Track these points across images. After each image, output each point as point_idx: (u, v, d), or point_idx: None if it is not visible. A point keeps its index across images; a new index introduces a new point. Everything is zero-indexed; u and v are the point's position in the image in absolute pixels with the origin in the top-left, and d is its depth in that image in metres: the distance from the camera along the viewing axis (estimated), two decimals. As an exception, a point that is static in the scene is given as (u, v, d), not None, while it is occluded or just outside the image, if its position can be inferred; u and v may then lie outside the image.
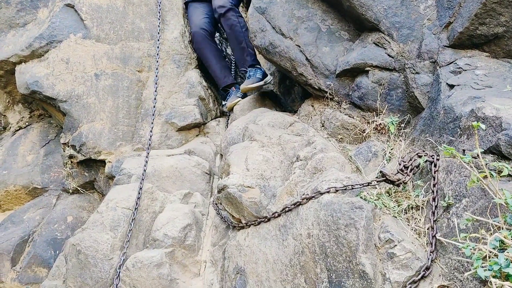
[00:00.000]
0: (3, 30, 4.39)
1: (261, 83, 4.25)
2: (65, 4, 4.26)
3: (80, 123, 4.04)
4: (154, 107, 3.95)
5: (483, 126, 1.62)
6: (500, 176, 1.71)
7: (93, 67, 4.20)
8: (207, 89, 4.63)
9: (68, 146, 4.11)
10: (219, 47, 4.65)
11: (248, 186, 2.87)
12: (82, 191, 4.23)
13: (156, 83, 4.04)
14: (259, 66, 4.42)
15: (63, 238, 3.82)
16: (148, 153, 3.62)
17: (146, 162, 3.56)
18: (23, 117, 4.63)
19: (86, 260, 3.04)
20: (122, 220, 3.18)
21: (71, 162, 4.18)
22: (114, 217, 3.19)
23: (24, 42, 4.20)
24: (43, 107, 4.52)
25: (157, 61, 4.17)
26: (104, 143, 4.02)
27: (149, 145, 3.76)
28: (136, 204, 3.23)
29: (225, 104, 4.59)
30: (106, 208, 3.27)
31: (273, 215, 2.69)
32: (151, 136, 3.83)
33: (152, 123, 3.90)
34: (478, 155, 1.60)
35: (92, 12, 4.29)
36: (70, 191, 4.20)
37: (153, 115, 3.91)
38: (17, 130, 4.60)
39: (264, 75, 4.36)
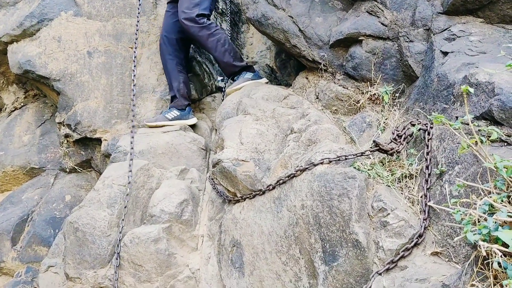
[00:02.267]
0: (-7, 10, 4.33)
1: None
2: (55, -19, 4.19)
3: (75, 102, 4.02)
4: (134, 85, 3.85)
5: (471, 90, 1.60)
6: (490, 141, 1.70)
7: (86, 45, 4.15)
8: (202, 65, 4.59)
9: (64, 126, 4.09)
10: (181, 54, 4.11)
11: (243, 160, 2.87)
12: (79, 170, 4.23)
13: (134, 61, 3.91)
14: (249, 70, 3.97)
15: (62, 217, 3.84)
16: (132, 136, 3.62)
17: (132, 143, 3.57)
18: (18, 97, 4.60)
19: (84, 237, 3.06)
20: (119, 197, 3.18)
21: (67, 141, 4.17)
22: (110, 194, 3.19)
23: (15, 21, 4.13)
24: (37, 87, 4.48)
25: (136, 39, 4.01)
26: (99, 121, 4.00)
27: (132, 126, 3.74)
28: (128, 182, 3.22)
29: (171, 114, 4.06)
30: (103, 186, 3.27)
31: (267, 188, 2.69)
32: (134, 116, 3.82)
33: (133, 104, 3.83)
34: (468, 120, 1.58)
35: (82, -12, 4.22)
36: (68, 170, 4.20)
37: (133, 95, 3.85)
38: (13, 111, 4.57)
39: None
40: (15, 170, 4.21)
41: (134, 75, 3.74)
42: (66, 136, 4.11)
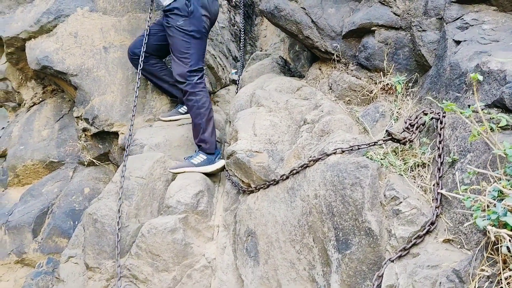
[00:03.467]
0: (11, 7, 4.41)
1: (187, 169, 3.49)
2: (71, -24, 4.26)
3: (92, 96, 4.09)
4: (138, 78, 3.74)
5: (480, 78, 1.61)
6: (501, 128, 1.70)
7: (102, 40, 4.21)
8: (215, 58, 4.62)
9: (81, 120, 4.17)
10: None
11: (256, 151, 2.91)
12: (97, 163, 4.32)
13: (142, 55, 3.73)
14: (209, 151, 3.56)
15: (81, 209, 3.93)
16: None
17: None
18: (36, 93, 4.70)
19: (102, 228, 3.13)
20: (136, 189, 3.25)
21: (85, 135, 4.25)
22: (128, 186, 3.26)
23: (32, 18, 4.21)
24: (55, 82, 4.57)
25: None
26: (116, 115, 4.07)
27: (132, 124, 3.71)
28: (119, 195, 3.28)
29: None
30: (120, 178, 3.34)
31: (281, 178, 2.73)
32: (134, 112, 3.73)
33: (136, 96, 3.74)
34: (477, 108, 1.59)
35: (97, -16, 4.28)
36: (86, 163, 4.28)
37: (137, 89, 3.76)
38: (32, 106, 4.67)
39: (208, 160, 3.51)
40: (35, 164, 4.30)
41: (141, 68, 3.72)
42: (84, 130, 4.20)
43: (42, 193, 4.16)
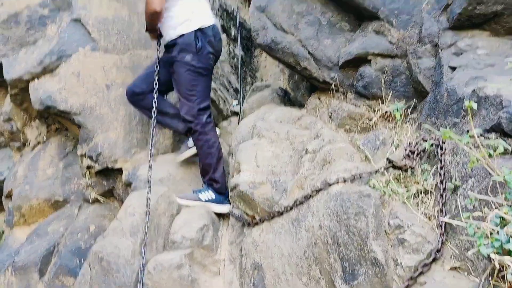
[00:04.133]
0: (14, 49, 4.50)
1: (193, 203, 3.49)
2: (72, 19, 4.35)
3: (95, 133, 4.13)
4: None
5: (475, 106, 1.64)
6: (498, 154, 1.72)
7: (104, 78, 4.28)
8: (217, 91, 4.69)
9: (86, 157, 4.21)
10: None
11: (259, 183, 2.92)
12: (102, 200, 4.33)
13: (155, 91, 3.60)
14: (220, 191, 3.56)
15: (87, 247, 3.91)
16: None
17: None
18: (40, 132, 4.76)
19: (108, 266, 3.12)
20: (141, 225, 3.24)
21: (90, 172, 4.28)
22: (133, 222, 3.26)
23: (35, 59, 4.30)
24: (58, 121, 4.63)
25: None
26: (120, 151, 4.10)
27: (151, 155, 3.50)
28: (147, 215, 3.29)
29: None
30: (125, 214, 3.34)
31: (285, 209, 2.73)
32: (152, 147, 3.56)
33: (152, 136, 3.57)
34: (474, 135, 1.61)
35: (98, 24, 4.37)
36: (91, 200, 4.29)
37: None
38: (36, 145, 4.72)
39: (217, 200, 3.50)
40: (40, 203, 4.32)
41: (155, 102, 3.55)
42: (88, 167, 4.22)
43: (48, 232, 4.16)
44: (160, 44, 3.76)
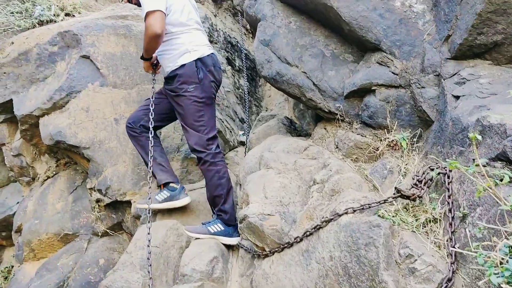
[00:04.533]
0: (25, 86, 4.61)
1: (202, 236, 3.51)
2: (81, 55, 4.47)
3: (104, 167, 4.19)
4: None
5: (479, 137, 1.67)
6: (503, 183, 1.74)
7: (112, 113, 4.36)
8: (223, 122, 4.75)
9: (95, 191, 4.25)
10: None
11: (268, 214, 2.94)
12: (111, 233, 4.35)
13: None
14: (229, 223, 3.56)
15: (96, 281, 3.92)
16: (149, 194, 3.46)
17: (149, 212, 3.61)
18: (50, 166, 4.81)
19: (119, 301, 3.12)
20: (151, 258, 3.26)
21: (99, 205, 4.32)
22: (143, 256, 3.27)
23: (45, 96, 4.40)
24: (68, 155, 4.69)
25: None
26: (128, 184, 4.15)
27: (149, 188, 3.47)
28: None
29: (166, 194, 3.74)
30: (135, 248, 3.36)
31: (295, 241, 2.74)
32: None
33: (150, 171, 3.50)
34: (480, 165, 1.64)
35: (107, 60, 4.48)
36: (100, 234, 4.32)
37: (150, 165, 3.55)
38: (46, 179, 4.77)
39: (226, 232, 3.52)
40: (50, 237, 4.34)
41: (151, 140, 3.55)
42: (97, 201, 4.26)
43: (58, 267, 4.17)
44: (155, 75, 3.79)
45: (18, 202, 4.87)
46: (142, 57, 3.64)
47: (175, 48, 3.51)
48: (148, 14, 3.19)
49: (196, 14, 3.74)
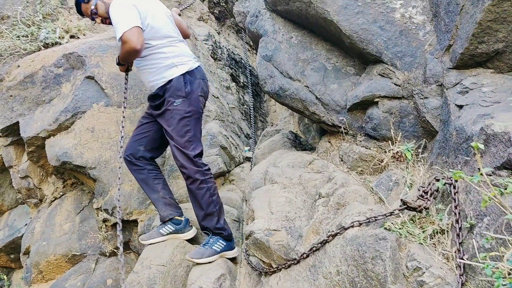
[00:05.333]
0: (31, 108, 4.65)
1: (213, 258, 3.38)
2: (85, 76, 4.50)
3: (110, 186, 4.20)
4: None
5: (481, 147, 1.65)
6: (508, 192, 1.71)
7: (118, 132, 4.37)
8: (228, 138, 4.75)
9: (101, 211, 4.25)
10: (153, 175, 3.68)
11: (274, 229, 2.91)
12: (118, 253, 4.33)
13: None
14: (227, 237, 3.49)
15: (104, 302, 3.91)
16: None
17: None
18: (57, 187, 4.83)
19: (127, 321, 3.10)
20: (158, 277, 3.24)
21: (106, 225, 4.31)
22: (149, 275, 3.26)
23: (51, 117, 4.43)
24: (74, 175, 4.71)
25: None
26: (135, 203, 4.15)
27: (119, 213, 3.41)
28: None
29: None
30: (142, 267, 3.35)
31: (301, 257, 2.71)
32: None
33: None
34: (484, 175, 1.62)
35: (111, 80, 4.52)
36: (107, 254, 4.31)
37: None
38: (53, 200, 4.79)
39: (228, 246, 3.48)
40: (57, 258, 4.34)
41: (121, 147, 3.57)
42: (104, 220, 4.26)
43: (66, 288, 4.16)
44: (128, 75, 3.75)
45: (26, 224, 4.88)
46: (117, 63, 3.61)
47: (158, 62, 3.43)
48: (124, 33, 3.15)
49: (173, 25, 3.65)
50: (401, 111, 3.08)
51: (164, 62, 3.42)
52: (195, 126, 3.44)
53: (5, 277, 4.87)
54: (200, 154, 3.45)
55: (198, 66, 3.57)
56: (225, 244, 3.44)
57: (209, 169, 3.47)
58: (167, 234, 3.58)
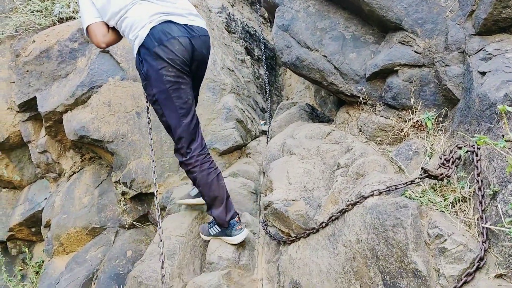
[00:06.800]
0: (47, 83, 4.67)
1: (208, 238, 3.32)
2: (100, 50, 4.50)
3: (128, 160, 4.23)
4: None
5: (509, 109, 1.61)
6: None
7: (134, 106, 4.39)
8: (244, 111, 4.73)
9: (120, 184, 4.30)
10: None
11: (293, 200, 2.91)
12: (137, 225, 4.39)
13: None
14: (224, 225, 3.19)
15: (125, 273, 3.97)
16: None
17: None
18: (75, 162, 4.88)
19: (148, 290, 3.15)
20: (178, 247, 3.28)
21: (124, 198, 4.36)
22: (169, 245, 3.30)
23: (67, 92, 4.45)
24: (92, 150, 4.75)
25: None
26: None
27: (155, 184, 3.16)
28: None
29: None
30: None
31: (320, 225, 2.71)
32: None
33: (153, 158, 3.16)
34: (509, 139, 1.59)
35: (126, 54, 4.50)
36: (127, 226, 4.37)
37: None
38: (71, 175, 4.85)
39: (223, 233, 3.22)
40: (78, 231, 4.41)
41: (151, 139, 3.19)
42: (123, 193, 4.31)
43: (87, 260, 4.23)
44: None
45: (45, 198, 4.96)
46: None
47: (129, 42, 3.02)
48: (86, 31, 3.01)
49: None
50: (421, 79, 3.02)
51: (129, 41, 3.00)
52: (167, 108, 2.92)
53: (26, 250, 4.97)
54: (180, 139, 3.00)
55: (153, 27, 2.82)
56: (219, 230, 3.23)
57: (194, 156, 3.02)
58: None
